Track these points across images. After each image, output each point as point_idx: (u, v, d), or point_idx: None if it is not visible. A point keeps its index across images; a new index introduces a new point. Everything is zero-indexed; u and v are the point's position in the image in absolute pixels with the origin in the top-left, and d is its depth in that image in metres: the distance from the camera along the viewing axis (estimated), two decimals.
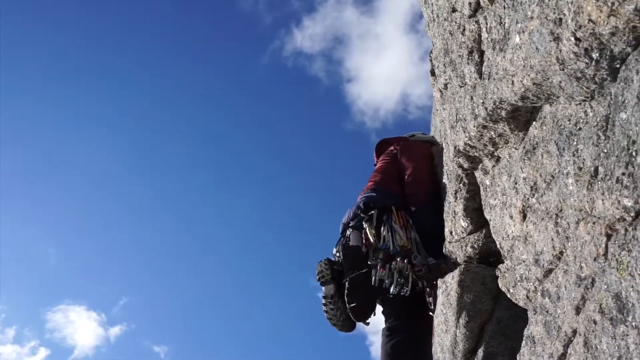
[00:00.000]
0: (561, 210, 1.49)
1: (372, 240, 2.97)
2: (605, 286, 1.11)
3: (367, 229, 3.03)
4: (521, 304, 1.83)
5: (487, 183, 2.21)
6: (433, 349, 2.66)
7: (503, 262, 2.02)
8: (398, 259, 2.77)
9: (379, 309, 3.13)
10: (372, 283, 2.75)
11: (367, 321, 2.96)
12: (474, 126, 1.98)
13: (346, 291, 2.81)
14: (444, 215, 2.77)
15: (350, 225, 3.28)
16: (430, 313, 2.85)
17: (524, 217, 1.79)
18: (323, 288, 3.01)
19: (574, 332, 1.32)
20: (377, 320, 3.32)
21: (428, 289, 2.82)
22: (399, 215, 3.06)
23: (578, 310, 1.29)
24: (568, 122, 1.48)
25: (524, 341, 1.67)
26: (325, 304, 2.97)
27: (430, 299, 2.82)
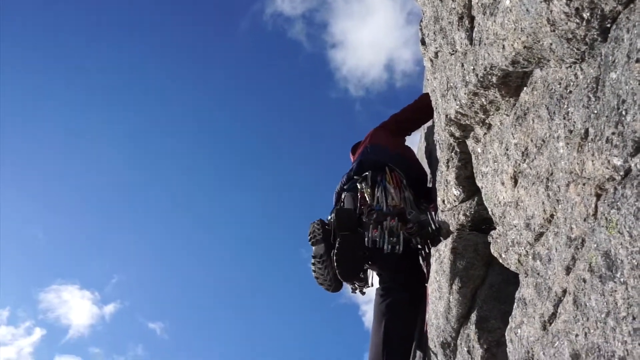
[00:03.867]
0: (552, 174, 1.50)
1: (368, 199, 3.02)
2: (595, 245, 1.13)
3: (363, 188, 3.07)
4: (512, 268, 1.86)
5: (479, 151, 2.22)
6: (427, 315, 2.71)
7: (495, 229, 2.05)
8: (389, 218, 2.79)
9: (373, 278, 3.20)
10: (366, 244, 2.76)
11: (355, 284, 3.06)
12: (465, 93, 1.97)
13: (335, 250, 2.82)
14: (437, 185, 2.78)
15: (344, 188, 3.33)
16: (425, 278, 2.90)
17: (515, 182, 1.80)
18: (313, 248, 3.02)
19: (564, 291, 1.35)
20: (370, 289, 3.39)
21: (423, 254, 2.87)
22: (393, 176, 3.12)
23: (568, 270, 1.32)
24: (558, 86, 1.48)
25: (515, 303, 1.71)
26: (314, 264, 2.99)
27: (424, 263, 2.89)
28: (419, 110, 3.71)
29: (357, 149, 3.88)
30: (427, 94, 3.55)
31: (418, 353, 2.73)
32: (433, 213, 2.90)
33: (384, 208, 2.90)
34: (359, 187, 3.13)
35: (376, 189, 3.04)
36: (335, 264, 2.83)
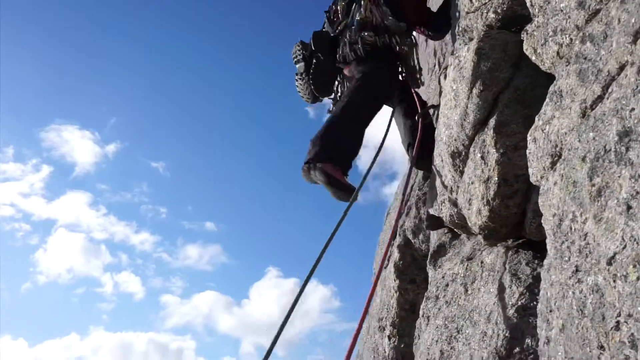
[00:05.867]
0: None
1: (339, 10, 3.25)
2: None
3: (338, 4, 3.29)
4: (547, 65, 1.65)
5: None
6: (436, 132, 2.59)
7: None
8: (363, 33, 3.05)
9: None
10: (338, 59, 3.17)
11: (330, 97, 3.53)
12: None
13: (311, 69, 3.28)
14: None
15: (326, 10, 3.48)
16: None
17: None
18: (296, 66, 3.41)
19: (622, 67, 1.15)
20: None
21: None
22: None
23: (636, 37, 1.10)
24: None
25: (547, 99, 1.53)
26: (297, 80, 3.42)
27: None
28: None
29: None
30: None
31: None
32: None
33: (354, 23, 3.12)
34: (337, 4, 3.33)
35: (353, 6, 3.21)
36: (310, 82, 3.31)
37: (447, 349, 2.15)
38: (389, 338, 3.60)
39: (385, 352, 3.57)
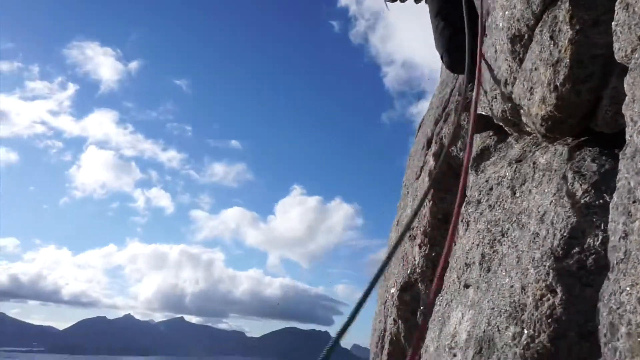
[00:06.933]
0: None
1: None
2: None
3: None
4: None
5: None
6: (490, 19, 2.29)
7: None
8: None
9: None
10: None
11: None
12: None
13: None
14: None
15: None
16: None
17: None
18: None
19: None
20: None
21: None
22: None
23: None
24: None
25: None
26: None
27: None
28: None
29: None
30: None
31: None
32: None
33: None
34: None
35: None
36: None
37: (489, 252, 2.03)
38: (420, 247, 3.53)
39: (415, 260, 3.53)
